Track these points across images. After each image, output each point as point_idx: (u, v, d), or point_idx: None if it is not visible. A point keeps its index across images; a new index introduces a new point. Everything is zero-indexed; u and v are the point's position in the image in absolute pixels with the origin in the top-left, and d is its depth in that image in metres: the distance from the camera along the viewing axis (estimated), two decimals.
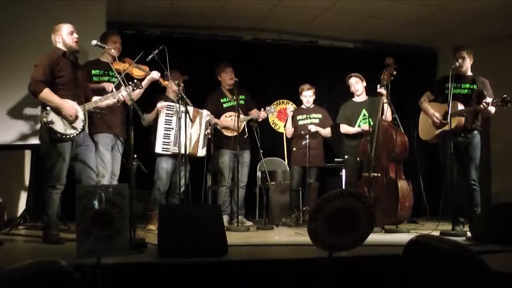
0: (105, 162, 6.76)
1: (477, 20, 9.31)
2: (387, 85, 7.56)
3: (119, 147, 6.83)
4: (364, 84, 8.35)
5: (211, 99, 8.38)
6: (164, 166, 7.60)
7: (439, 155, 7.43)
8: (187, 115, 6.97)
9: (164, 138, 7.47)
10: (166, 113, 7.49)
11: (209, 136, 7.80)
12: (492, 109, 6.87)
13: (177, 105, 7.32)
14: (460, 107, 6.96)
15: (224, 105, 8.33)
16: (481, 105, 6.78)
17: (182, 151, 6.95)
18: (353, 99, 8.44)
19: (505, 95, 6.67)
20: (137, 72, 6.93)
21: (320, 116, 8.81)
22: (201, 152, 7.70)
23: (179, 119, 7.08)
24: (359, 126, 8.18)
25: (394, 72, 7.53)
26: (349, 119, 8.32)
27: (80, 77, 6.22)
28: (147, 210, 7.73)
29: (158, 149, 7.47)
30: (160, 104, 7.48)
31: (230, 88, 8.24)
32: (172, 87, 7.48)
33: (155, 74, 7.04)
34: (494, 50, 9.65)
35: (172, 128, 7.47)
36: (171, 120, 7.50)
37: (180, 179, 6.99)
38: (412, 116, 9.05)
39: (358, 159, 7.87)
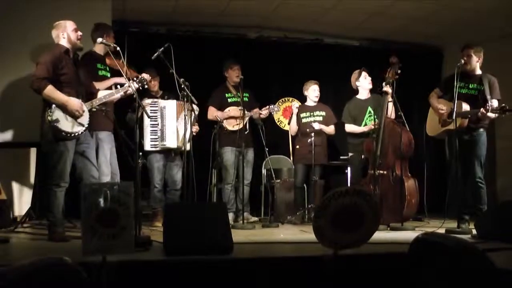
0: (108, 160, 6.77)
1: (483, 18, 9.29)
2: (392, 83, 7.56)
3: (114, 143, 6.86)
4: None
5: (216, 93, 8.42)
6: (155, 164, 7.72)
7: (444, 152, 7.41)
8: (193, 113, 7.00)
9: (151, 135, 7.55)
10: (151, 110, 7.54)
11: (195, 133, 7.80)
12: (491, 114, 6.83)
13: (161, 100, 7.48)
14: (465, 107, 6.94)
15: (229, 100, 8.34)
16: (480, 112, 6.77)
17: (173, 147, 7.26)
18: (357, 96, 8.42)
19: (504, 104, 6.67)
20: (130, 72, 6.91)
21: (323, 113, 8.79)
22: (187, 145, 7.65)
23: (164, 114, 7.49)
24: (365, 124, 8.16)
25: (399, 71, 7.52)
26: (354, 117, 8.29)
27: (83, 74, 6.22)
28: (151, 208, 7.77)
29: (147, 146, 7.56)
30: (145, 102, 7.50)
31: (235, 85, 8.24)
32: (151, 86, 7.48)
33: (146, 76, 7.05)
34: (500, 48, 9.63)
35: (158, 124, 7.55)
36: (156, 116, 7.56)
37: (182, 174, 7.02)
38: (418, 114, 9.04)
39: (362, 156, 7.87)
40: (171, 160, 7.72)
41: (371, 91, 8.32)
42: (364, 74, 8.31)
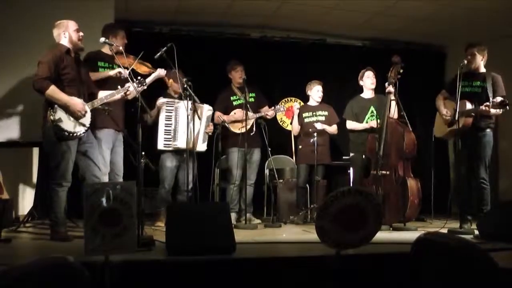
0: (106, 159, 6.74)
1: (485, 18, 9.27)
2: (395, 82, 7.55)
3: (119, 143, 6.83)
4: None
5: (221, 97, 8.37)
6: (168, 164, 7.64)
7: (447, 152, 7.41)
8: (196, 112, 7.00)
9: (165, 135, 7.51)
10: (166, 109, 7.53)
11: (209, 134, 7.80)
12: (494, 110, 6.82)
13: (177, 100, 7.40)
14: (469, 105, 6.94)
15: (234, 103, 8.30)
16: (481, 108, 6.77)
17: (182, 147, 7.18)
18: (361, 95, 8.40)
19: (502, 98, 6.67)
20: (142, 68, 6.90)
21: (326, 113, 8.77)
22: (201, 147, 7.66)
23: (178, 115, 7.39)
24: (366, 122, 8.16)
25: (401, 70, 7.52)
26: (356, 115, 8.28)
27: (84, 74, 6.21)
28: (156, 207, 7.76)
29: (160, 145, 7.51)
30: (160, 101, 7.52)
31: (240, 86, 8.23)
32: (173, 85, 7.50)
33: (162, 71, 7.04)
34: (502, 47, 9.61)
35: (172, 124, 7.50)
36: (170, 116, 7.53)
37: (187, 176, 7.00)
38: (420, 113, 9.04)
39: (364, 156, 7.87)
40: (183, 160, 7.63)
41: (376, 91, 8.30)
42: (367, 73, 8.30)
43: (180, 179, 7.74)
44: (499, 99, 6.75)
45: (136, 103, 5.76)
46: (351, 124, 8.32)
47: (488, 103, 6.72)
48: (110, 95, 6.17)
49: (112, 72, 6.60)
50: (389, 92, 7.54)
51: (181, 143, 7.34)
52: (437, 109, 7.47)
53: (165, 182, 7.66)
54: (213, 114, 8.00)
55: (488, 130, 7.07)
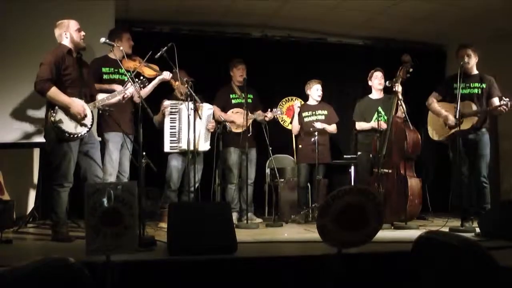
0: (113, 160, 6.78)
1: (486, 17, 9.26)
2: (402, 82, 7.52)
3: (128, 145, 6.80)
4: None
5: (220, 94, 8.39)
6: (174, 164, 7.64)
7: (447, 152, 7.41)
8: (196, 112, 6.99)
9: (171, 137, 7.51)
10: (171, 112, 7.53)
11: (212, 130, 7.79)
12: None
13: (180, 102, 7.40)
14: (474, 107, 6.94)
15: (233, 101, 8.32)
16: (501, 108, 6.77)
17: (186, 148, 7.08)
18: (370, 95, 8.39)
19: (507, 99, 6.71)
20: (148, 71, 6.91)
21: (325, 112, 8.77)
22: (204, 146, 7.66)
23: (181, 117, 7.39)
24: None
25: (411, 69, 7.48)
26: (363, 115, 8.28)
27: (86, 75, 6.20)
28: (160, 207, 7.75)
29: (166, 148, 7.52)
30: (164, 104, 7.51)
31: (240, 85, 8.23)
32: (179, 87, 7.48)
33: (167, 75, 7.05)
34: (503, 47, 9.61)
35: (177, 126, 7.50)
36: (175, 118, 7.53)
37: (190, 177, 7.01)
38: (419, 113, 9.02)
39: (371, 156, 7.85)
40: (189, 163, 7.60)
41: (385, 91, 8.26)
42: (375, 74, 8.27)
43: (185, 180, 7.72)
44: (496, 100, 6.83)
45: (137, 104, 5.77)
46: (359, 125, 8.32)
47: (505, 101, 6.73)
48: (112, 96, 6.17)
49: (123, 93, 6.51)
50: (397, 91, 7.48)
51: (185, 144, 7.34)
52: (436, 113, 7.41)
53: (171, 182, 7.66)
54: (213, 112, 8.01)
55: (484, 129, 7.12)
